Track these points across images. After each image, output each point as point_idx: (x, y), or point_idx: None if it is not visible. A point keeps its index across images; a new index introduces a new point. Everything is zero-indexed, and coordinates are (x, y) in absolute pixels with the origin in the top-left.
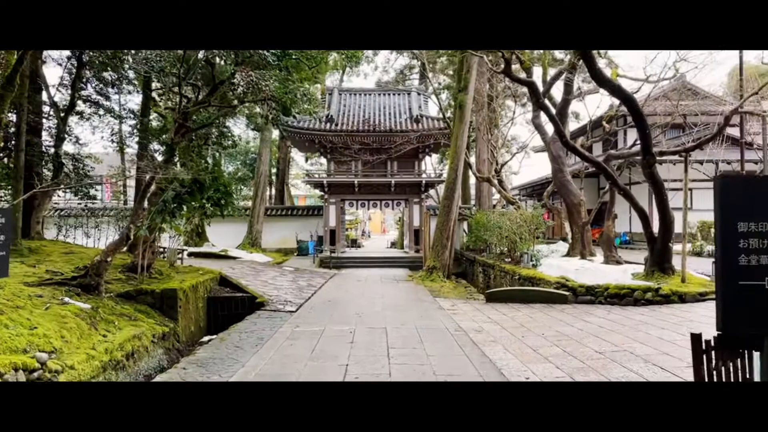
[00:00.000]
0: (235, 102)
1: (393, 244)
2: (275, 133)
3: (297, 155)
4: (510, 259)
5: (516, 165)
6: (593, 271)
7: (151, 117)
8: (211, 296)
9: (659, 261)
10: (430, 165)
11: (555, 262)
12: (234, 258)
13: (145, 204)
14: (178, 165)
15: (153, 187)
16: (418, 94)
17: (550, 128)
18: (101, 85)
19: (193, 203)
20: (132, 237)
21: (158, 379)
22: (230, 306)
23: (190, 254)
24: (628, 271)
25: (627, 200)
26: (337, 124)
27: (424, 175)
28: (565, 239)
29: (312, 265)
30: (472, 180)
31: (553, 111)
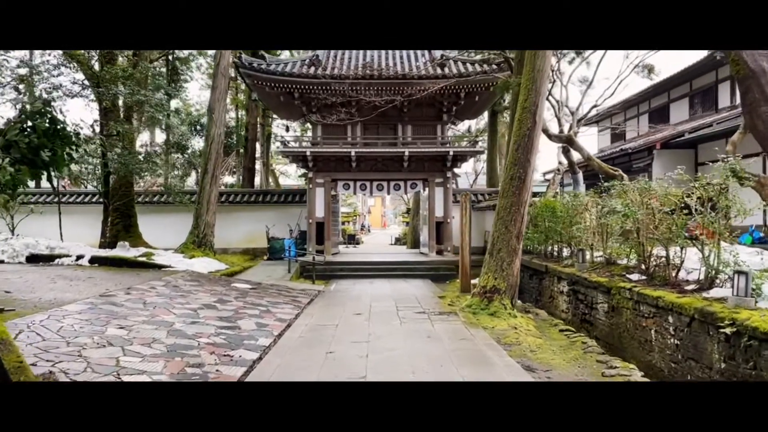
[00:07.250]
0: None
1: (398, 240)
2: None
3: (284, 130)
4: (645, 276)
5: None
6: None
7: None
8: None
9: None
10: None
11: None
12: (160, 267)
13: None
14: None
15: None
16: None
17: None
18: None
19: None
20: None
21: None
22: None
23: (93, 260)
24: None
25: None
26: (325, 69)
27: (450, 144)
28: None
29: (286, 276)
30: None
31: None
